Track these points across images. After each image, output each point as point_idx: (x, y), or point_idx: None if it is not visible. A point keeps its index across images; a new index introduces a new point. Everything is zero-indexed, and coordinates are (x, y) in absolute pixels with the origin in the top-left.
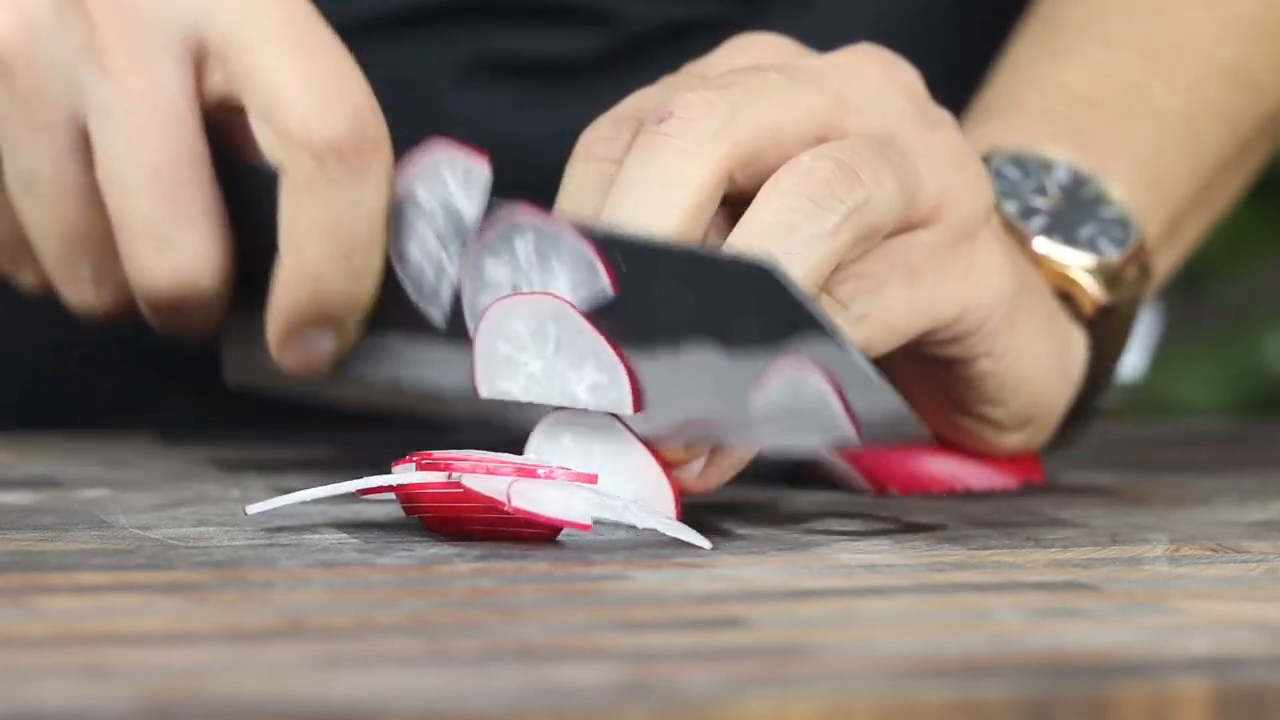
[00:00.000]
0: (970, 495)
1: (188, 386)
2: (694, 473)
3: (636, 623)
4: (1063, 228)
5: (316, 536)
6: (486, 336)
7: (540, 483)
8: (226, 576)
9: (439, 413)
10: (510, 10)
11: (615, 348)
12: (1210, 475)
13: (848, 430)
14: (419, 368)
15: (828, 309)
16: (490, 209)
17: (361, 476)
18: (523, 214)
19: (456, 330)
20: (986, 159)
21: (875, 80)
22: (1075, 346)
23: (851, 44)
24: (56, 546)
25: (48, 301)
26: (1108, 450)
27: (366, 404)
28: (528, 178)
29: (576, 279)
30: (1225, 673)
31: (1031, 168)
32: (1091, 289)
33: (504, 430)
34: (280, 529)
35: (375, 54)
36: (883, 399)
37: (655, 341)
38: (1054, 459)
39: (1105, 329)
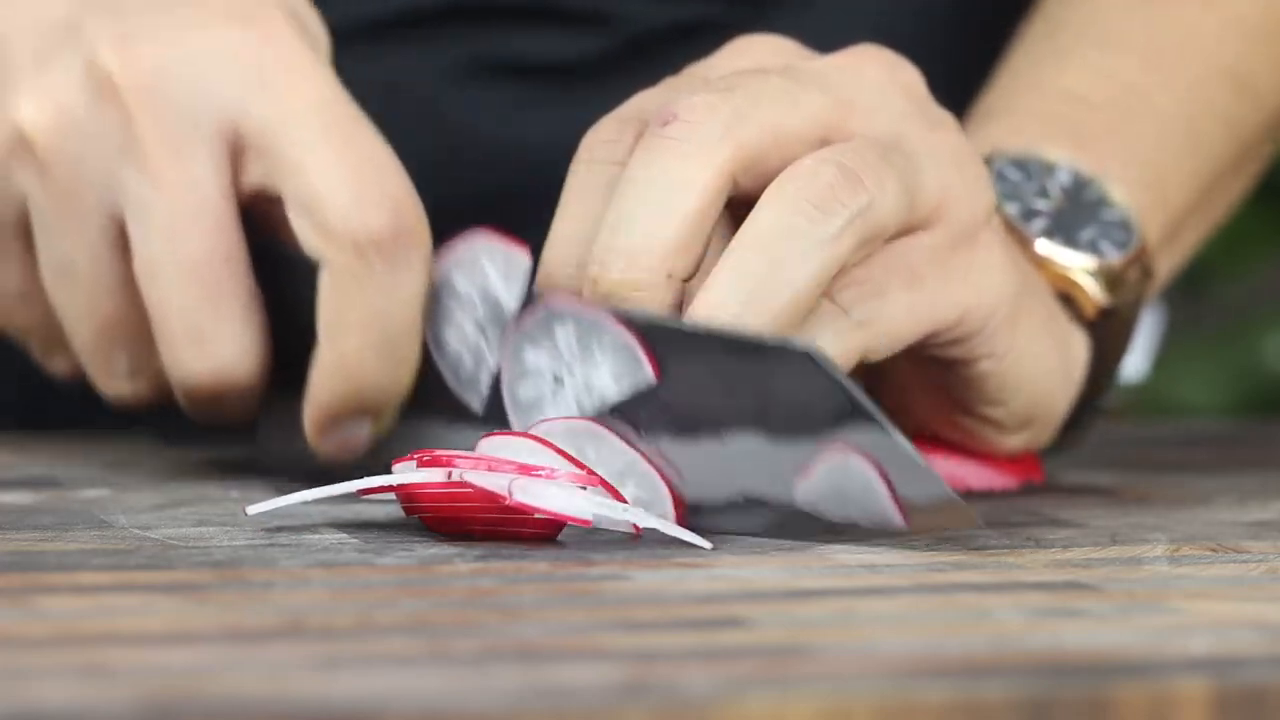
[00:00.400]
0: (970, 495)
1: None
2: None
3: (636, 623)
4: (1064, 230)
5: (316, 536)
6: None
7: (541, 481)
8: (226, 576)
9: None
10: (510, 12)
11: (650, 460)
12: (1210, 475)
13: (895, 517)
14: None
15: (828, 314)
16: (530, 297)
17: (361, 476)
18: (563, 303)
19: (495, 415)
20: (988, 161)
21: (877, 81)
22: (1076, 348)
23: (853, 45)
24: (56, 546)
25: None
26: (1108, 450)
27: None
28: (528, 180)
29: (619, 368)
30: (1225, 673)
31: (1033, 170)
32: (1093, 291)
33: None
34: (280, 529)
35: (375, 56)
36: (930, 484)
37: (698, 430)
38: (1054, 459)
39: (1106, 331)
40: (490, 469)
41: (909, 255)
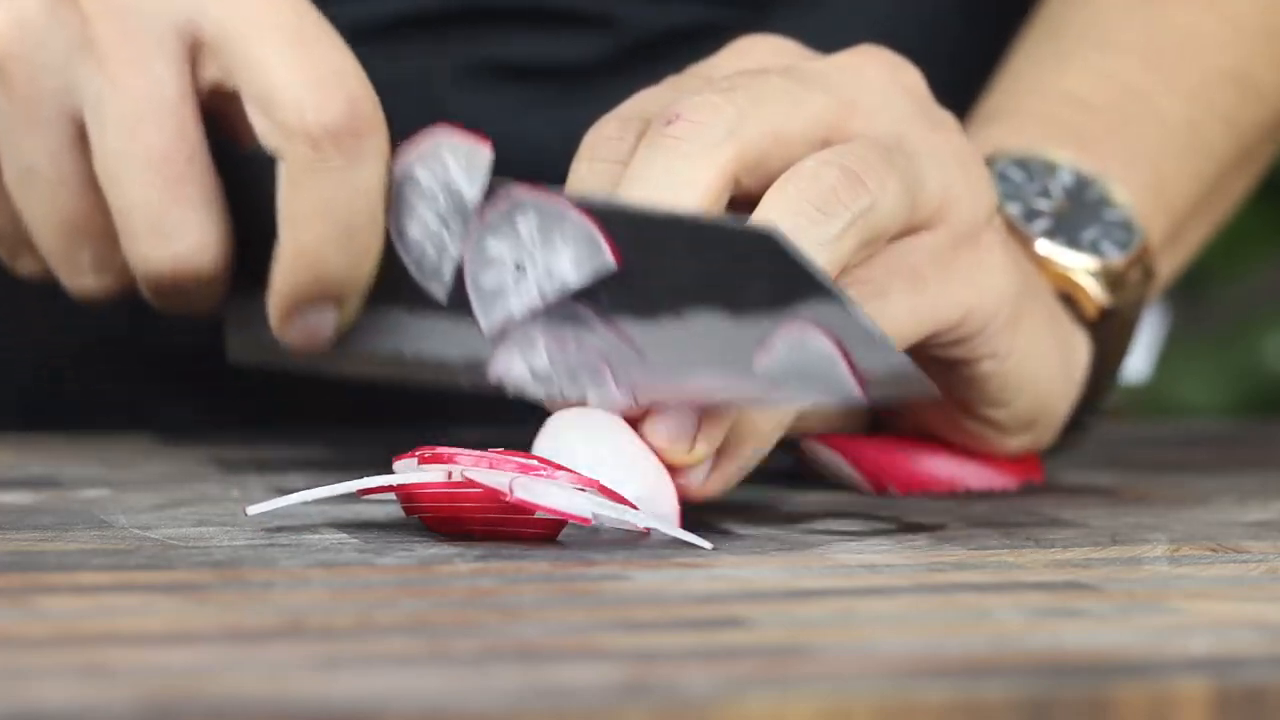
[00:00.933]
0: (970, 495)
1: (188, 387)
2: (698, 480)
3: (636, 623)
4: (1066, 230)
5: (316, 536)
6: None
7: (542, 480)
8: (226, 576)
9: (442, 383)
10: (513, 13)
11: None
12: (1210, 475)
13: (855, 389)
14: (422, 341)
15: None
16: (491, 189)
17: (361, 476)
18: (524, 192)
19: (459, 303)
20: (990, 161)
21: (879, 82)
22: (1078, 349)
23: (854, 45)
24: (56, 546)
25: (48, 302)
26: (1108, 450)
27: (369, 376)
28: (531, 180)
29: (580, 255)
30: (1225, 673)
31: (1035, 170)
32: (1094, 292)
33: (504, 399)
34: (280, 529)
35: (378, 57)
36: (888, 356)
37: (660, 312)
38: (1054, 459)
39: (1108, 332)
40: (491, 466)
41: (910, 256)
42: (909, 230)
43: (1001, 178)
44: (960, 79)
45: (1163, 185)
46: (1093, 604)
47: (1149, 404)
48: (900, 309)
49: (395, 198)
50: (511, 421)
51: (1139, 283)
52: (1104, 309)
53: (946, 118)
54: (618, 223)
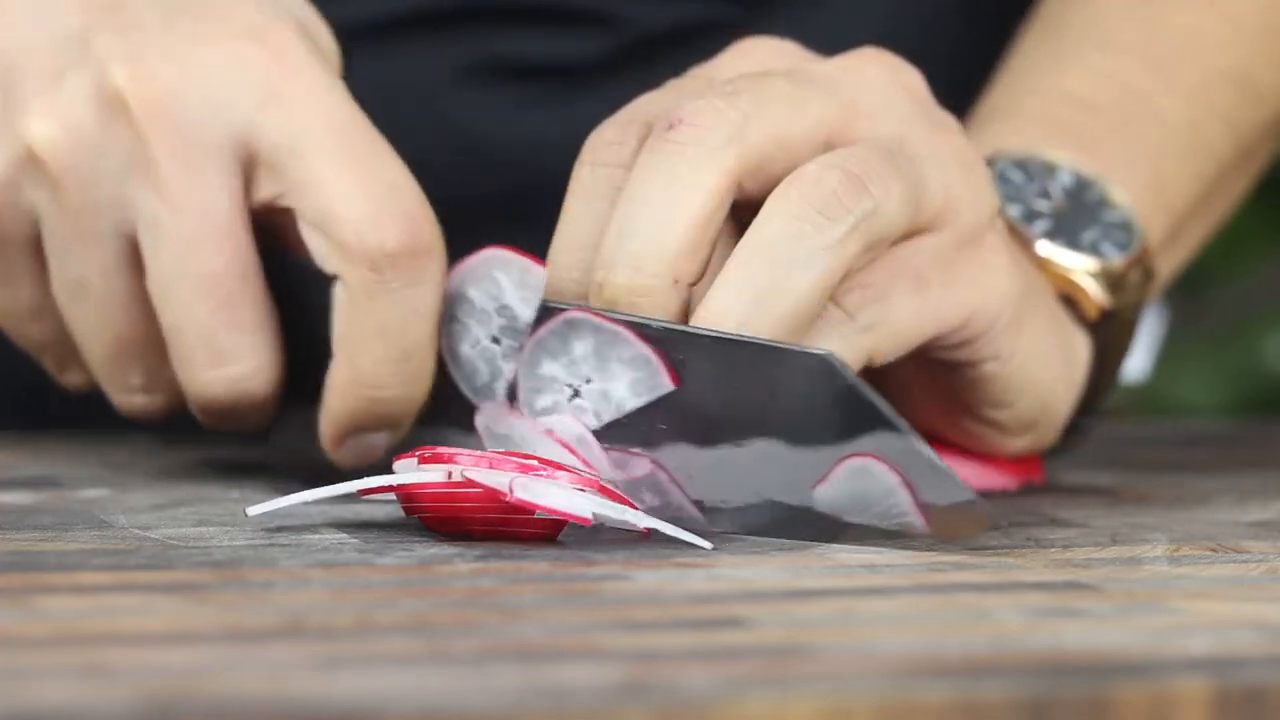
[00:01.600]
0: None
1: None
2: None
3: (636, 623)
4: (1066, 231)
5: (316, 536)
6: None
7: (542, 480)
8: (226, 576)
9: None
10: (513, 13)
11: (663, 468)
12: (1210, 475)
13: (917, 520)
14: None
15: (834, 319)
16: (545, 309)
17: (361, 477)
18: (581, 316)
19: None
20: (990, 162)
21: (881, 83)
22: (1079, 350)
23: (856, 47)
24: (56, 546)
25: None
26: (1108, 450)
27: None
28: (531, 180)
29: (637, 380)
30: (1225, 673)
31: (1035, 171)
32: (1094, 293)
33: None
34: (280, 529)
35: (379, 57)
36: (950, 487)
37: (716, 437)
38: (1054, 459)
39: (1108, 333)
40: (491, 466)
41: (913, 258)
42: (912, 233)
43: (1001, 179)
44: (960, 79)
45: (1163, 185)
46: (1093, 604)
47: (1149, 404)
48: (903, 312)
49: (447, 315)
50: None
51: (1139, 284)
52: (1104, 310)
53: (948, 119)
54: (676, 345)
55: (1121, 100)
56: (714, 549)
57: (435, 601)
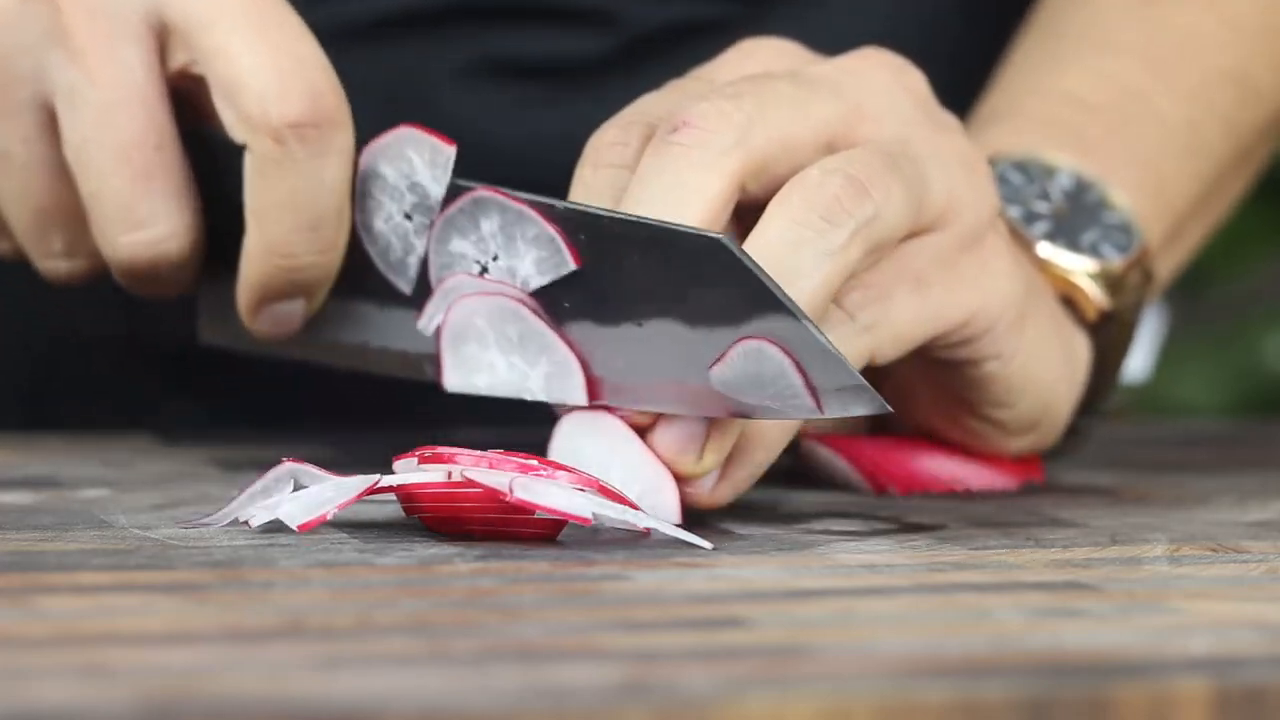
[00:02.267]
0: (970, 495)
1: (188, 387)
2: (706, 488)
3: (636, 623)
4: (1066, 233)
5: (316, 536)
6: (452, 336)
7: (542, 480)
8: (226, 576)
9: (405, 374)
10: (513, 12)
11: (567, 340)
12: (1210, 475)
13: (809, 403)
14: (387, 333)
15: (835, 320)
16: (454, 188)
17: (357, 475)
18: (487, 194)
19: (422, 297)
20: (991, 164)
21: (884, 85)
22: (1079, 351)
23: (857, 46)
24: (56, 546)
25: (48, 302)
26: (1108, 450)
27: (335, 364)
28: (531, 179)
29: (542, 257)
30: (1225, 673)
31: (1035, 173)
32: (1094, 294)
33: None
34: (280, 529)
35: (377, 55)
36: (840, 373)
37: (620, 318)
38: (1054, 459)
39: (1108, 334)
40: (491, 466)
41: (915, 259)
42: (914, 233)
43: (1001, 180)
44: (960, 79)
45: (1162, 186)
46: (1093, 604)
47: (1149, 404)
48: (905, 312)
49: (361, 191)
50: (512, 421)
51: (1138, 285)
52: (1103, 311)
53: (950, 120)
54: (578, 226)
55: (1121, 101)
56: (714, 549)
57: (435, 601)
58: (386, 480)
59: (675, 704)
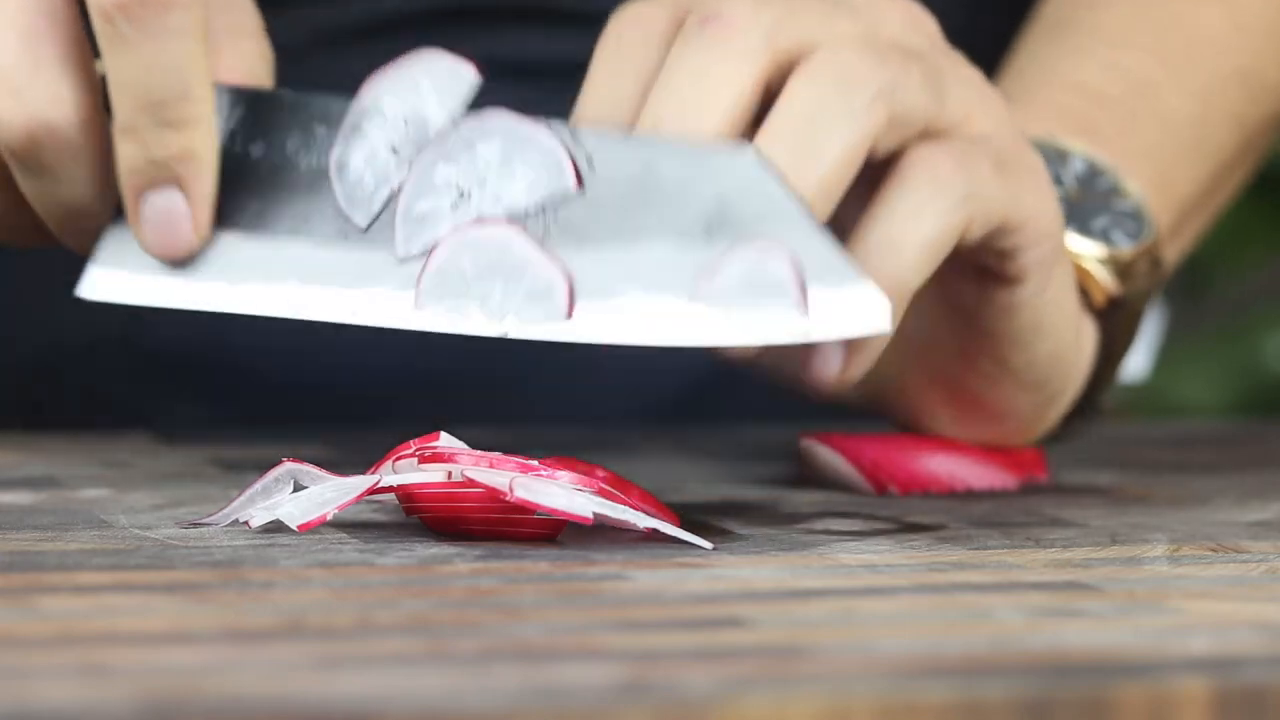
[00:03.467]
0: (970, 495)
1: (188, 386)
2: (834, 370)
3: (636, 623)
4: (1078, 217)
5: (316, 536)
6: (437, 277)
7: (542, 479)
8: (226, 576)
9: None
10: (512, 12)
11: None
12: (1210, 475)
13: (799, 318)
14: (289, 274)
15: (930, 192)
16: (461, 117)
17: (354, 476)
18: (498, 119)
19: (379, 232)
20: None
21: (903, 21)
22: (1087, 333)
23: None
24: (56, 546)
25: (48, 301)
26: (1108, 450)
27: (224, 309)
28: None
29: (538, 178)
30: (1225, 673)
31: (1049, 156)
32: (1104, 280)
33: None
34: (280, 529)
35: (376, 55)
36: (847, 274)
37: (606, 239)
38: (1054, 459)
39: (1115, 322)
40: (491, 466)
41: (986, 148)
42: (947, 131)
43: None
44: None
45: (1169, 180)
46: (1093, 604)
47: (1149, 404)
48: (993, 188)
49: (350, 125)
50: (511, 421)
51: (1147, 273)
52: (1112, 298)
53: (963, 60)
54: (592, 145)
55: (1131, 94)
56: (714, 549)
57: (435, 601)
58: (386, 480)
59: (675, 704)
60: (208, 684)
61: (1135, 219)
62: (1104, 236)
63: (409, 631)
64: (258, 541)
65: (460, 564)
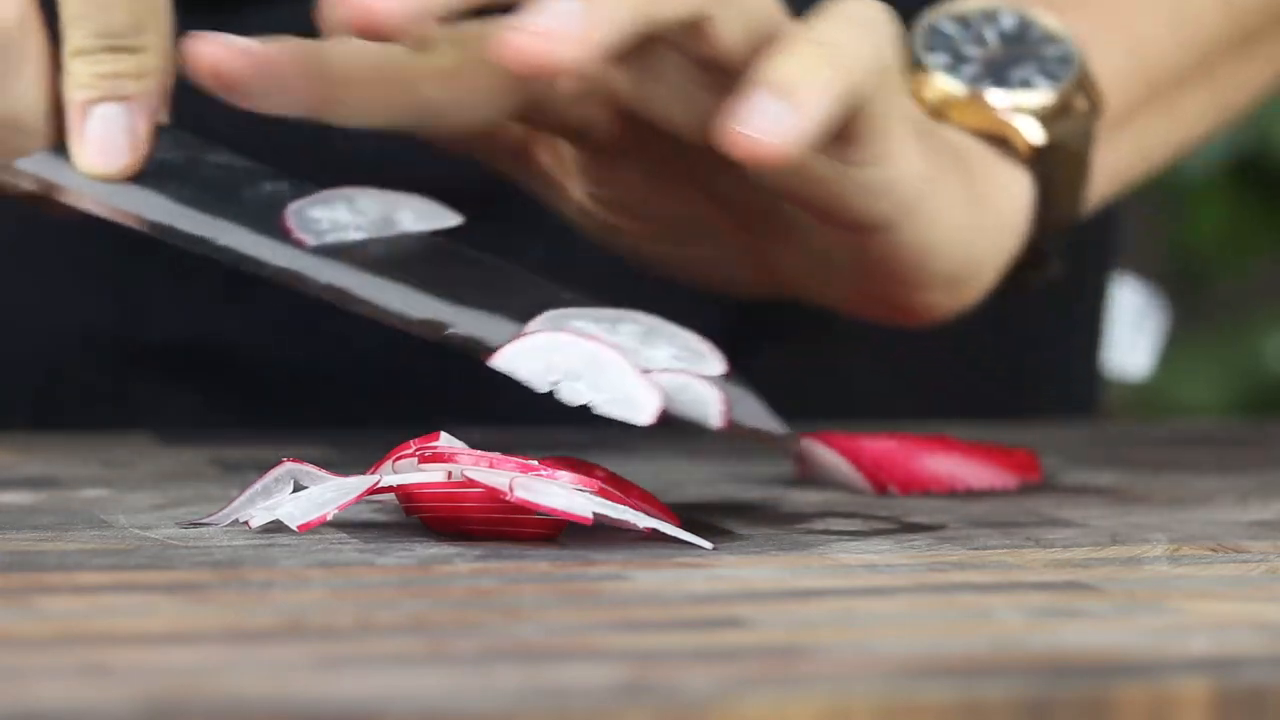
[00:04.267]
0: (970, 495)
1: (188, 386)
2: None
3: (636, 623)
4: (994, 73)
5: (316, 536)
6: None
7: (543, 479)
8: (226, 576)
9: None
10: (506, 10)
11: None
12: (1210, 475)
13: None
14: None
15: (799, 46)
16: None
17: (353, 476)
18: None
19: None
20: (931, 19)
21: None
22: (1014, 194)
23: None
24: (56, 546)
25: (48, 301)
26: (1108, 450)
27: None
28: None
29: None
30: (1225, 673)
31: (973, 20)
32: (1026, 129)
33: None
34: (280, 529)
35: None
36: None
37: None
38: (1054, 459)
39: (1052, 165)
40: (491, 466)
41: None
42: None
43: (933, 33)
44: None
45: (1140, 46)
46: (1093, 604)
47: (1149, 404)
48: (852, 40)
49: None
50: (511, 421)
51: (1085, 114)
52: (1038, 146)
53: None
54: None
55: None
56: (714, 549)
57: (435, 601)
58: (386, 480)
59: (675, 704)
60: (208, 684)
61: (1064, 62)
62: (1024, 85)
63: (409, 631)
64: (258, 541)
65: (460, 564)
